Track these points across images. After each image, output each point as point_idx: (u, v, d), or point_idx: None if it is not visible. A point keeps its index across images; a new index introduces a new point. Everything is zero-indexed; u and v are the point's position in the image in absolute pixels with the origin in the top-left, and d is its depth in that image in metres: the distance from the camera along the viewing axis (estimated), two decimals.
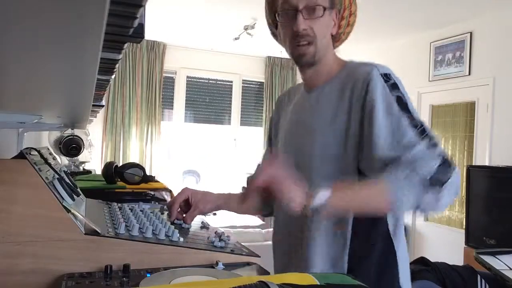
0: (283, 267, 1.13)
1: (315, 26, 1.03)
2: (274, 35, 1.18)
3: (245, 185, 1.25)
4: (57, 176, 0.98)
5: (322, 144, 1.04)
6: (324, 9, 1.03)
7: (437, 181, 0.86)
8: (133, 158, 5.55)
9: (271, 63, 6.27)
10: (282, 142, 1.19)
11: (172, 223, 1.14)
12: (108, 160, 3.94)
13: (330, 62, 1.11)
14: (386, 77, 1.00)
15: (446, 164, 0.89)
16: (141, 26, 0.46)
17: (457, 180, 0.88)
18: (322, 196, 0.86)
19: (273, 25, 1.15)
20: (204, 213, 1.24)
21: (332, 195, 0.86)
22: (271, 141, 1.31)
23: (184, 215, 1.18)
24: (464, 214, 3.67)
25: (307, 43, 1.04)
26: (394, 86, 0.99)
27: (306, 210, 0.86)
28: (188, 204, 1.20)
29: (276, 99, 1.31)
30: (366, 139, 0.97)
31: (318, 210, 0.86)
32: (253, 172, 1.15)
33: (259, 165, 1.22)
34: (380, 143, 0.94)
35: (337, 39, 1.14)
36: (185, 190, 1.21)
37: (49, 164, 1.09)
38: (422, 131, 0.93)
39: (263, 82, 6.36)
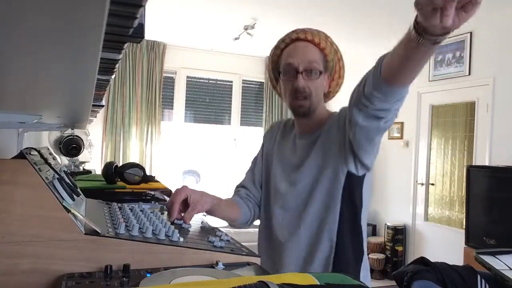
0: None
1: (311, 85, 1.27)
2: (274, 87, 1.43)
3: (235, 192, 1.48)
4: (57, 176, 0.98)
5: (310, 182, 1.28)
6: (320, 72, 1.27)
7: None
8: (133, 158, 5.55)
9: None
10: (273, 174, 1.40)
11: (172, 223, 1.14)
12: (108, 160, 3.94)
13: (321, 114, 1.34)
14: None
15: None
16: (141, 26, 0.46)
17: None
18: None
19: (274, 80, 1.40)
20: (202, 213, 1.29)
21: None
22: (256, 161, 1.52)
23: (183, 215, 1.19)
24: (464, 214, 3.67)
25: (304, 97, 1.27)
26: None
27: None
28: (186, 203, 1.22)
29: (270, 126, 1.60)
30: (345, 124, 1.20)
31: None
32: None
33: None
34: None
35: (327, 96, 1.36)
36: (183, 189, 1.23)
37: (49, 164, 1.09)
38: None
39: (263, 82, 6.36)
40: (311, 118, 1.32)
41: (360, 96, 1.05)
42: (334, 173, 1.24)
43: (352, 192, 1.26)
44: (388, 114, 1.06)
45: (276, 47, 1.34)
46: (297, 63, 1.25)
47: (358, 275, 1.26)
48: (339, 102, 1.44)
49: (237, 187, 1.52)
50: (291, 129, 1.45)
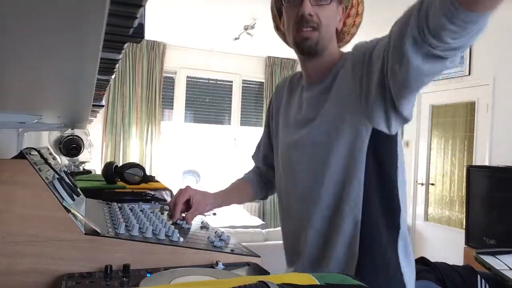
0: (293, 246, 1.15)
1: (321, 13, 1.03)
2: (277, 28, 1.19)
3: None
4: (57, 176, 0.98)
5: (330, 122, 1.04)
6: None
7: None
8: (133, 158, 5.55)
9: (271, 63, 6.27)
10: (282, 142, 1.19)
11: (174, 223, 1.14)
12: (108, 160, 3.94)
13: (332, 55, 1.10)
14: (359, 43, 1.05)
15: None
16: (141, 26, 0.46)
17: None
18: None
19: (278, 16, 1.15)
20: (204, 214, 1.27)
21: None
22: (269, 128, 1.32)
23: (184, 215, 1.19)
24: (464, 214, 3.67)
25: (312, 28, 1.03)
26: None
27: None
28: (189, 204, 1.21)
29: (276, 87, 1.35)
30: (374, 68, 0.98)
31: None
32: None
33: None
34: (375, 55, 0.99)
35: (341, 38, 1.13)
36: (186, 189, 1.22)
37: (49, 164, 1.09)
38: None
39: (263, 82, 6.36)
40: (320, 59, 1.08)
41: (420, 32, 0.82)
42: (354, 133, 1.00)
43: (381, 154, 1.01)
44: (458, 51, 0.82)
45: None
46: None
47: (396, 256, 1.01)
48: None
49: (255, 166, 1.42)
50: (298, 81, 1.21)
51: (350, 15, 1.09)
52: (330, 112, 1.04)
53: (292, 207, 1.14)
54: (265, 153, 1.37)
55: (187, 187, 1.23)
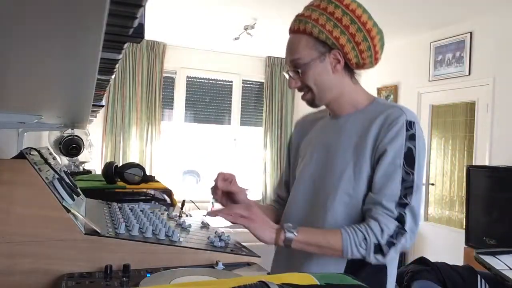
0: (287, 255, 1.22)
1: (305, 79, 1.15)
2: None
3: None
4: (57, 176, 0.98)
5: (339, 174, 1.14)
6: (307, 63, 1.13)
7: (389, 243, 1.04)
8: (133, 158, 5.54)
9: (271, 63, 6.27)
10: (308, 160, 1.26)
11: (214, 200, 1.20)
12: (108, 160, 3.94)
13: (352, 95, 1.20)
14: (409, 125, 1.10)
15: (402, 229, 1.05)
16: (141, 26, 0.46)
17: (405, 242, 1.06)
18: (289, 236, 1.03)
19: None
20: (231, 202, 1.26)
21: (297, 237, 1.04)
22: (289, 161, 1.39)
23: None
24: (464, 214, 3.67)
25: (305, 92, 1.18)
26: (411, 137, 1.09)
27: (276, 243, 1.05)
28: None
29: (295, 122, 1.48)
30: (371, 179, 1.10)
31: (285, 245, 1.04)
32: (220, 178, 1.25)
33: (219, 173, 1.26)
34: (374, 186, 1.09)
35: (358, 67, 1.18)
36: (232, 174, 1.27)
37: (49, 164, 1.09)
38: (407, 187, 1.07)
39: (263, 82, 6.36)
40: (337, 103, 1.20)
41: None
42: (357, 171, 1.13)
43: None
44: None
45: None
46: (287, 62, 1.18)
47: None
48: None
49: (276, 193, 1.48)
50: (321, 114, 1.33)
51: (347, 51, 1.13)
52: (351, 139, 1.16)
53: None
54: (286, 179, 1.41)
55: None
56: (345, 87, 1.18)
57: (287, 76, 1.21)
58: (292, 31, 1.16)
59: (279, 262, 1.27)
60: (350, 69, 1.18)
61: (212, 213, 1.07)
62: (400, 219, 1.05)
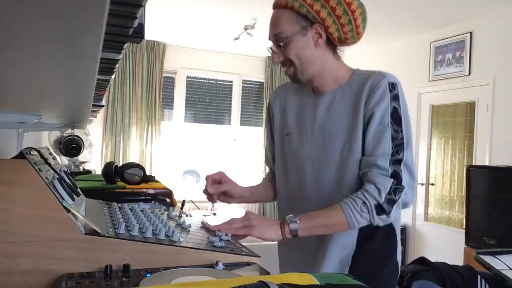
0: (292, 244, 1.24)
1: (287, 53, 1.17)
2: None
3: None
4: (57, 176, 0.98)
5: (338, 148, 1.17)
6: (289, 38, 1.15)
7: (389, 200, 1.06)
8: (133, 158, 5.54)
9: (271, 63, 6.27)
10: (298, 140, 1.27)
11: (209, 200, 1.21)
12: (108, 160, 3.94)
13: (334, 70, 1.21)
14: (392, 86, 1.14)
15: (399, 185, 1.08)
16: (141, 26, 0.46)
17: (405, 197, 1.09)
18: (294, 227, 1.06)
19: None
20: (229, 198, 1.32)
21: (301, 225, 1.06)
22: (272, 135, 1.39)
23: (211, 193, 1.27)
24: (464, 214, 3.67)
25: (288, 66, 1.20)
26: (395, 97, 1.13)
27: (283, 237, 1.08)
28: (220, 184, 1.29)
29: (272, 94, 1.45)
30: (364, 139, 1.14)
31: (293, 236, 1.07)
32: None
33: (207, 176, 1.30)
34: (366, 149, 1.12)
35: (340, 42, 1.20)
36: (219, 172, 1.30)
37: (49, 164, 1.09)
38: (398, 144, 1.10)
39: (263, 82, 6.36)
40: (320, 79, 1.22)
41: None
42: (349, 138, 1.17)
43: None
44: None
45: None
46: (269, 38, 1.20)
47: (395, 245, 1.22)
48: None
49: (269, 168, 1.49)
50: (301, 88, 1.32)
51: (329, 25, 1.14)
52: (340, 120, 1.19)
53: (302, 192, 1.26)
54: (273, 154, 1.41)
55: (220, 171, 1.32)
56: (327, 62, 1.20)
57: (269, 52, 1.22)
58: (275, 6, 1.18)
59: (288, 255, 1.31)
60: (332, 44, 1.20)
61: (213, 228, 1.10)
62: (395, 175, 1.08)
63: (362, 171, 1.12)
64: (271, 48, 1.20)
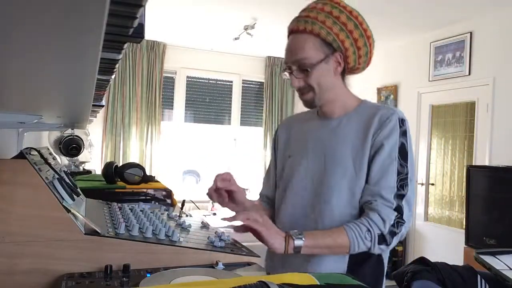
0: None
1: (309, 80, 1.17)
2: None
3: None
4: (57, 176, 0.98)
5: (343, 172, 1.18)
6: (314, 65, 1.16)
7: (391, 232, 1.09)
8: (133, 158, 5.54)
9: (271, 63, 6.26)
10: (301, 160, 1.27)
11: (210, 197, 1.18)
12: (108, 160, 3.94)
13: (343, 97, 1.24)
14: (402, 122, 1.17)
15: (401, 219, 1.11)
16: (141, 26, 0.46)
17: (404, 231, 1.11)
18: (298, 243, 1.05)
19: None
20: (230, 202, 1.26)
21: (306, 243, 1.06)
22: (276, 161, 1.40)
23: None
24: (464, 214, 3.67)
25: (306, 92, 1.20)
26: (404, 133, 1.16)
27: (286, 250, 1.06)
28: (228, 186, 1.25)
29: (280, 124, 1.48)
30: (369, 170, 1.15)
31: (295, 252, 1.06)
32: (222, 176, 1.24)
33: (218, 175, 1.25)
34: (371, 178, 1.14)
35: (353, 70, 1.24)
36: (229, 173, 1.27)
37: (49, 164, 1.09)
38: (402, 179, 1.14)
39: (263, 82, 6.36)
40: (330, 104, 1.24)
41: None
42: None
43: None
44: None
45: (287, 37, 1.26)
46: (289, 62, 1.19)
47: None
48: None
49: (261, 195, 1.47)
50: (307, 115, 1.36)
51: (349, 55, 1.18)
52: (347, 148, 1.20)
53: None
54: (275, 180, 1.41)
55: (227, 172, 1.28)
56: (340, 89, 1.23)
57: (286, 76, 1.22)
58: (297, 31, 1.17)
59: (275, 263, 1.27)
60: (343, 72, 1.23)
61: (229, 219, 1.07)
62: (399, 209, 1.11)
63: (365, 198, 1.14)
64: (291, 73, 1.20)
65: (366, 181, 1.15)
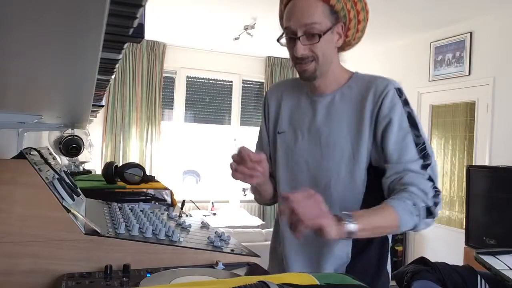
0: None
1: (315, 49, 1.09)
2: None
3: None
4: (57, 176, 0.98)
5: (340, 154, 1.12)
6: (324, 33, 1.08)
7: (435, 203, 1.03)
8: (133, 158, 5.54)
9: (271, 63, 6.27)
10: (293, 140, 1.21)
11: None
12: (108, 160, 3.94)
13: (337, 71, 1.18)
14: (399, 92, 1.12)
15: (436, 189, 1.05)
16: (141, 26, 0.46)
17: (440, 200, 1.06)
18: (353, 228, 0.95)
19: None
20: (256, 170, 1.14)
21: (360, 226, 0.96)
22: (268, 135, 1.34)
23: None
24: (464, 214, 3.67)
25: (308, 62, 1.11)
26: (405, 102, 1.11)
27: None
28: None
29: (270, 88, 1.39)
30: (382, 151, 1.09)
31: (348, 237, 0.97)
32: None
33: (241, 148, 1.17)
34: (390, 156, 1.07)
35: (346, 46, 1.18)
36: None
37: (49, 164, 1.09)
38: (422, 149, 1.07)
39: (263, 82, 6.36)
40: (324, 79, 1.16)
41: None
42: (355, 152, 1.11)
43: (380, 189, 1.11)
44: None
45: (281, 1, 1.16)
46: (294, 27, 1.08)
47: (386, 253, 1.18)
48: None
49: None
50: (296, 88, 1.27)
51: (350, 27, 1.13)
52: (340, 125, 1.14)
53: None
54: (268, 153, 1.33)
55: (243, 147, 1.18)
56: (335, 64, 1.17)
57: (283, 44, 1.13)
58: None
59: (279, 264, 1.23)
60: (340, 46, 1.17)
61: (288, 197, 0.93)
62: (431, 179, 1.05)
63: (393, 177, 1.06)
64: (294, 39, 1.09)
65: (385, 161, 1.08)
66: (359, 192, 1.12)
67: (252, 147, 1.40)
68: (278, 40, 1.15)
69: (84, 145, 2.63)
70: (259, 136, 1.43)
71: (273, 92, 1.33)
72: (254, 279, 0.56)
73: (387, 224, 1.01)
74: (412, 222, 1.01)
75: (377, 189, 1.11)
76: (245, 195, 5.83)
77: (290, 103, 1.26)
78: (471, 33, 4.22)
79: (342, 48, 1.17)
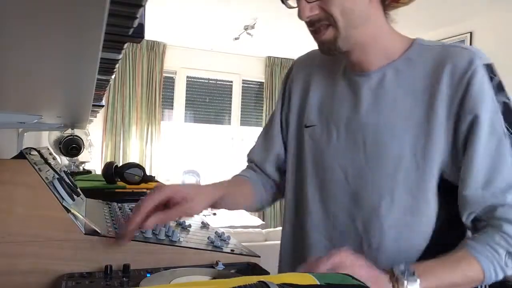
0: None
1: (327, 5, 0.75)
2: None
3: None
4: (57, 176, 0.98)
5: (395, 163, 0.78)
6: None
7: None
8: (133, 158, 5.55)
9: (271, 63, 6.27)
10: (319, 135, 0.88)
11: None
12: (108, 160, 3.94)
13: (384, 38, 0.83)
14: (491, 71, 0.77)
15: None
16: (141, 26, 0.46)
17: None
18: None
19: None
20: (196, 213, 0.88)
21: (424, 285, 0.65)
22: (288, 123, 0.98)
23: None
24: None
25: (323, 27, 0.77)
26: (499, 87, 0.76)
27: None
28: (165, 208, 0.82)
29: (296, 63, 1.01)
30: (464, 161, 0.75)
31: None
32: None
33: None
34: (475, 176, 0.74)
35: (394, 1, 0.85)
36: (167, 187, 0.81)
37: (49, 164, 1.09)
38: None
39: (263, 82, 6.36)
40: (360, 53, 0.81)
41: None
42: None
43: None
44: None
45: None
46: None
47: None
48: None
49: (249, 161, 1.07)
50: (330, 64, 0.91)
51: None
52: (400, 113, 0.80)
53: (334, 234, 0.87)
54: (279, 152, 1.01)
55: (170, 185, 0.85)
56: (381, 27, 0.82)
57: (290, 5, 0.79)
58: None
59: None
60: (384, 3, 0.84)
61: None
62: None
63: (478, 210, 0.74)
64: None
65: (466, 182, 0.73)
66: (428, 222, 0.78)
67: (251, 147, 1.15)
68: (283, 1, 0.81)
69: (84, 145, 2.63)
70: (266, 126, 1.05)
71: (300, 68, 0.97)
72: (254, 279, 0.56)
73: (466, 281, 0.71)
74: (503, 274, 0.72)
75: (453, 214, 0.77)
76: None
77: (322, 84, 0.91)
78: (471, 33, 4.22)
79: (393, 1, 0.84)
